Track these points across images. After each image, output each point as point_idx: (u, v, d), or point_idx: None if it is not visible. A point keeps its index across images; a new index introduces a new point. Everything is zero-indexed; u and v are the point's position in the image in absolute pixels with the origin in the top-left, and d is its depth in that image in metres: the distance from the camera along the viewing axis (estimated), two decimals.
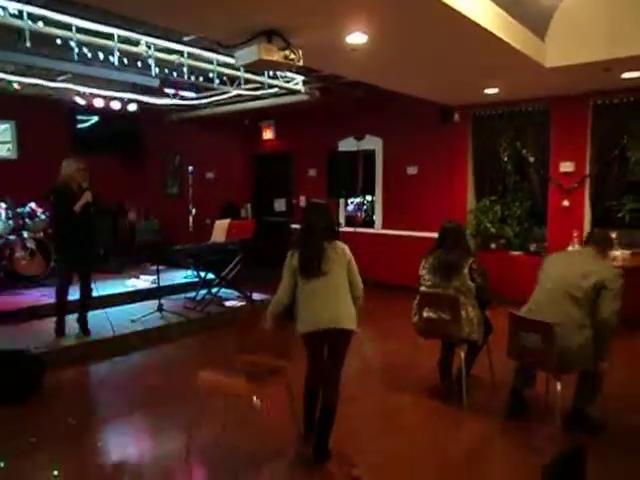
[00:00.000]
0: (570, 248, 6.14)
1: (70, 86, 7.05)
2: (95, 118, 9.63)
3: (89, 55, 5.28)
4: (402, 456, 3.30)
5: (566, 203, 6.70)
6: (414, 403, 4.12)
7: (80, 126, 9.61)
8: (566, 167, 6.68)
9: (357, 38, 4.19)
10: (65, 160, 5.20)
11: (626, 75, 5.47)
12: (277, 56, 3.86)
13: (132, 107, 8.37)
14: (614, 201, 6.46)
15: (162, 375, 4.76)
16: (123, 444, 3.58)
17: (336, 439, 3.21)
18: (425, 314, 4.05)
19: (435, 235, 4.27)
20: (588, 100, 6.48)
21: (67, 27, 4.71)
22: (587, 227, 6.65)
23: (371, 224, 8.63)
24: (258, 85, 6.98)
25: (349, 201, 9.07)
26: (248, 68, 4.88)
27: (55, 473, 3.12)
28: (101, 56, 5.41)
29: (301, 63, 4.02)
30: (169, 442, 3.52)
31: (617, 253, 5.96)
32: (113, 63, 5.25)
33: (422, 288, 4.17)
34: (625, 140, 6.28)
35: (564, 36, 5.05)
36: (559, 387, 3.38)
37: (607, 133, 6.44)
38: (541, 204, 7.04)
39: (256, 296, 6.69)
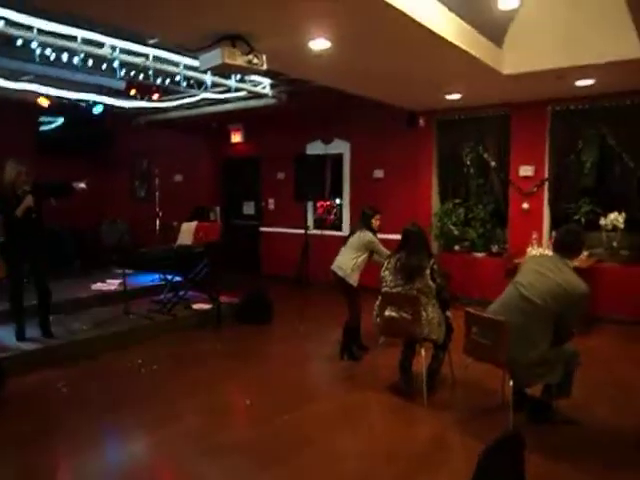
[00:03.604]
0: (529, 249, 6.36)
1: (33, 87, 6.94)
2: (60, 120, 9.48)
3: (52, 57, 5.23)
4: (359, 449, 3.38)
5: (526, 206, 6.93)
6: (376, 400, 4.22)
7: (44, 128, 9.44)
8: (526, 171, 6.91)
9: (320, 44, 4.27)
10: (7, 163, 5.11)
11: (579, 83, 5.71)
12: (241, 60, 3.92)
13: (98, 109, 8.28)
14: (571, 204, 6.70)
15: (128, 379, 4.74)
16: (87, 447, 3.57)
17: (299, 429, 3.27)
18: (387, 313, 4.16)
19: (399, 237, 4.38)
20: (546, 106, 6.73)
21: (29, 28, 4.66)
22: (546, 229, 6.90)
23: (340, 227, 8.73)
24: (225, 88, 7.01)
25: (318, 204, 9.17)
26: (212, 71, 4.89)
27: None
28: (65, 57, 5.36)
29: (265, 68, 4.08)
30: (132, 443, 3.53)
31: None
32: (77, 65, 5.22)
33: (384, 289, 4.27)
34: (580, 145, 6.54)
35: (520, 44, 5.24)
36: (511, 383, 3.50)
37: (564, 138, 6.70)
38: (503, 207, 7.26)
39: (224, 299, 6.70)
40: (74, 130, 9.44)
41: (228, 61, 3.85)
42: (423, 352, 4.10)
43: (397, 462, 3.17)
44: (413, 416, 3.91)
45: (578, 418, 3.67)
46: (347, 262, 4.94)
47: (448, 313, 4.26)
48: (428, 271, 4.11)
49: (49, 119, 9.39)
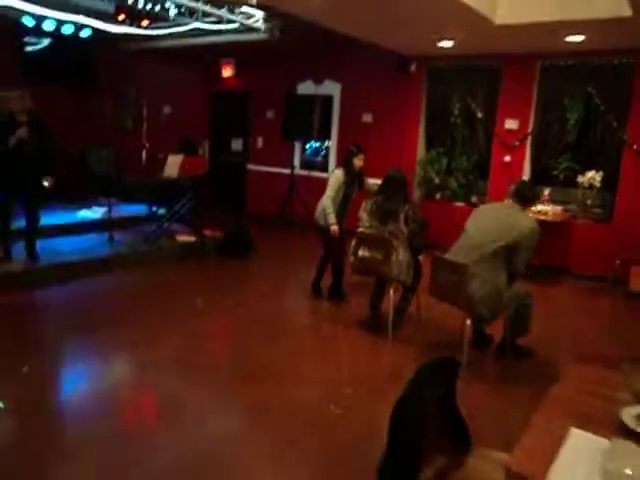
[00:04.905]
0: (505, 201, 6.54)
1: (17, 3, 6.72)
2: (46, 41, 9.21)
3: None
4: (325, 376, 3.67)
5: (507, 159, 7.06)
6: (345, 334, 4.50)
7: (29, 49, 9.19)
8: (510, 124, 6.99)
9: None
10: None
11: (570, 39, 5.72)
12: None
13: (86, 33, 8.07)
14: (552, 160, 6.85)
15: (109, 302, 4.96)
16: (64, 362, 3.82)
17: (272, 355, 3.53)
18: (360, 253, 4.37)
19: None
20: (537, 61, 6.73)
21: None
22: None
23: (326, 169, 8.81)
24: (217, 19, 6.87)
25: (307, 145, 9.20)
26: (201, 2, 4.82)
27: None
28: None
29: (255, 1, 4.05)
30: (109, 361, 3.78)
31: (548, 208, 6.42)
32: None
33: (360, 229, 4.46)
34: (566, 102, 6.61)
35: None
36: (468, 322, 3.77)
37: (551, 94, 6.75)
38: (485, 158, 7.38)
39: (207, 233, 6.86)
40: (61, 53, 9.19)
41: None
42: (392, 292, 4.35)
43: (358, 387, 3.46)
44: (378, 349, 4.20)
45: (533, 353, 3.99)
46: (320, 204, 4.99)
47: (420, 257, 4.48)
48: (402, 216, 4.30)
49: (34, 40, 9.12)
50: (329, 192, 4.85)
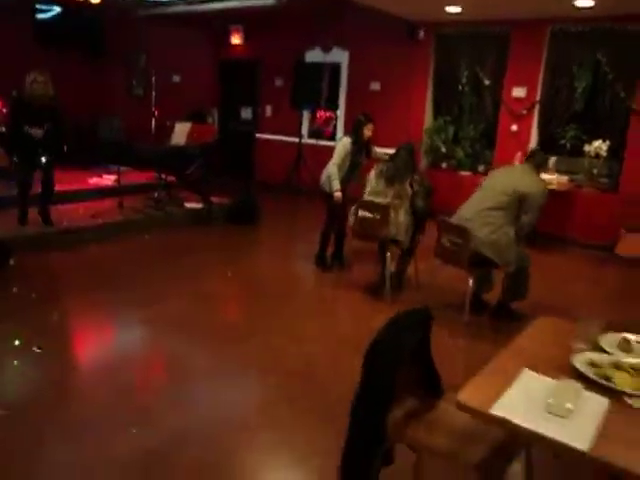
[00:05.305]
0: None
1: None
2: (57, 9, 9.27)
3: None
4: (318, 335, 3.83)
5: (514, 128, 7.03)
6: (345, 296, 4.66)
7: (41, 16, 9.26)
8: (518, 92, 6.94)
9: None
10: (29, 73, 5.20)
11: (579, 3, 5.63)
12: None
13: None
14: (559, 129, 6.81)
15: (119, 264, 5.16)
16: (84, 313, 4.03)
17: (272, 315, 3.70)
18: (360, 213, 4.51)
19: (391, 151, 4.77)
20: (546, 26, 6.64)
21: None
22: None
23: (334, 138, 8.83)
24: None
25: (318, 115, 9.21)
26: None
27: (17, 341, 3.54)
28: None
29: None
30: (117, 317, 3.99)
31: (553, 177, 6.43)
32: None
33: (367, 190, 4.61)
34: (575, 70, 6.54)
35: None
36: (471, 282, 3.93)
37: (560, 61, 6.68)
38: (492, 127, 7.35)
39: (215, 200, 7.00)
40: (71, 21, 9.27)
41: None
42: (389, 256, 4.47)
43: (345, 345, 3.60)
44: (374, 309, 4.32)
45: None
46: (325, 171, 5.03)
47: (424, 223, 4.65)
48: (408, 181, 4.49)
49: (45, 7, 9.19)
50: (335, 159, 4.91)
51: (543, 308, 4.34)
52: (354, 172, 5.03)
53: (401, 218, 4.38)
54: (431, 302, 4.45)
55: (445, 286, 4.63)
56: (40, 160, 5.38)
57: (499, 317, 4.11)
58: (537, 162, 4.09)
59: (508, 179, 3.96)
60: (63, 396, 2.88)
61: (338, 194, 4.85)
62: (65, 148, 5.58)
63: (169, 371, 3.29)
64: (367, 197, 4.57)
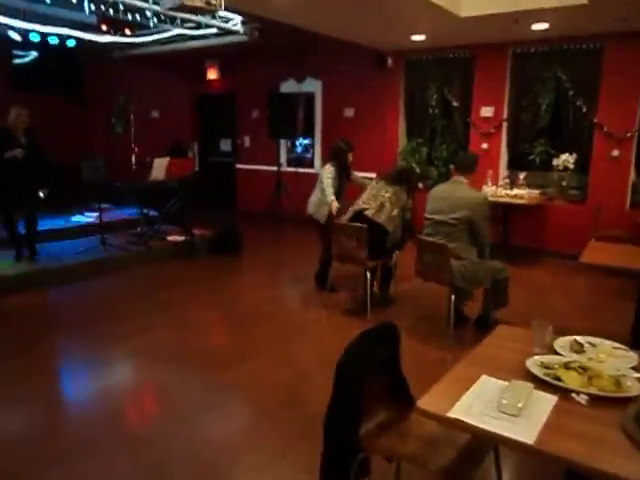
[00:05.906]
0: (484, 187, 6.77)
1: (3, 19, 6.96)
2: (34, 54, 9.46)
3: None
4: (301, 357, 3.91)
5: (485, 146, 7.27)
6: (327, 318, 4.76)
7: (18, 61, 9.44)
8: (486, 112, 7.20)
9: None
10: (13, 107, 5.51)
11: (535, 27, 5.92)
12: (198, 2, 4.12)
13: (71, 43, 8.30)
14: (527, 145, 7.06)
15: (103, 300, 5.22)
16: (63, 355, 4.08)
17: (256, 341, 3.78)
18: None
19: (368, 174, 5.22)
20: (508, 49, 6.94)
21: None
22: (502, 169, 7.28)
23: (312, 164, 9.04)
24: (195, 25, 7.09)
25: (297, 142, 9.41)
26: (173, 11, 5.05)
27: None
28: None
29: (222, 9, 4.28)
30: (104, 351, 4.04)
31: (525, 192, 6.63)
32: None
33: (363, 197, 4.78)
34: (537, 88, 6.82)
35: None
36: (453, 298, 4.05)
37: (523, 81, 6.97)
38: (464, 147, 7.59)
39: (197, 231, 7.10)
40: (49, 65, 9.45)
41: (186, 2, 4.06)
42: (369, 275, 4.61)
43: (328, 366, 3.67)
44: (360, 327, 4.40)
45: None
46: (313, 199, 5.23)
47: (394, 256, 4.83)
48: (405, 188, 4.71)
49: (22, 53, 9.37)
50: (326, 180, 5.03)
51: (524, 317, 4.48)
52: (339, 195, 5.19)
53: (394, 213, 4.57)
54: (415, 317, 4.63)
55: (428, 301, 4.76)
56: (21, 195, 5.53)
57: (482, 327, 4.21)
58: (462, 165, 4.13)
59: (447, 202, 4.00)
60: (49, 430, 2.92)
61: (335, 204, 4.97)
62: (43, 194, 5.76)
63: (155, 398, 3.34)
64: (361, 204, 4.71)
